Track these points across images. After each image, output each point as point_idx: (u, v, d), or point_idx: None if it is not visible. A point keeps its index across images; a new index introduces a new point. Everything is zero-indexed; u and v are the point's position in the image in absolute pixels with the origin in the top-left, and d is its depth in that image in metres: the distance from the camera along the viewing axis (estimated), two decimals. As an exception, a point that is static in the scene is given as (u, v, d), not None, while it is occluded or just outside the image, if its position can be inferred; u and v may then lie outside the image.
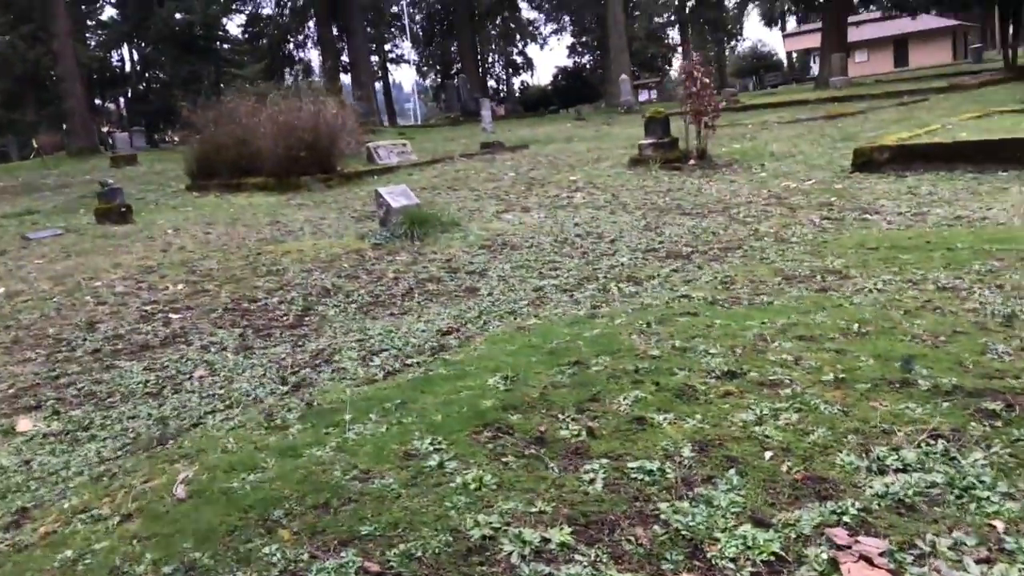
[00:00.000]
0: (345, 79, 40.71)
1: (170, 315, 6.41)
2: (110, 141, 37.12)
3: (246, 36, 48.33)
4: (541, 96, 50.91)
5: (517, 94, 55.76)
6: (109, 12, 50.46)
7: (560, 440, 2.81)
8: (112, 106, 54.20)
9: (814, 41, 45.87)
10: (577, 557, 2.20)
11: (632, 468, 2.56)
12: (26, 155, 34.07)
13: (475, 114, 31.36)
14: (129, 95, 51.08)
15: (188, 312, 6.47)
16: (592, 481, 2.53)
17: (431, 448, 2.89)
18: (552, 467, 2.64)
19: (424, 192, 11.89)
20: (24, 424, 4.30)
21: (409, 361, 4.21)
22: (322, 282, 7.04)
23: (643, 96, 37.31)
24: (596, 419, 2.92)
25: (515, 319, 5.00)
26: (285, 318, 6.06)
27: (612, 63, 33.71)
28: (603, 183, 10.90)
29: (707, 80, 10.86)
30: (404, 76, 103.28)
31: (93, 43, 49.24)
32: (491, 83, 56.42)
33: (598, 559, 2.18)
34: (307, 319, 5.97)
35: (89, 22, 50.70)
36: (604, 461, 2.63)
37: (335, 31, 43.08)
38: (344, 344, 5.05)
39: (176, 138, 42.97)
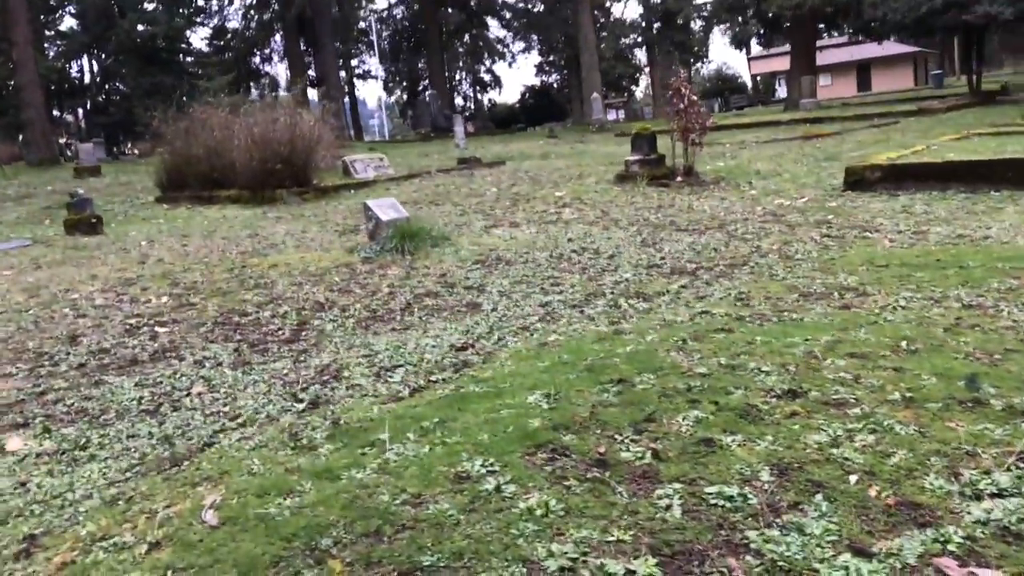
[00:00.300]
0: (312, 94, 40.36)
1: (156, 329, 6.13)
2: (69, 152, 36.28)
3: (211, 49, 47.72)
4: (509, 114, 51.07)
5: (486, 111, 55.84)
6: (69, 22, 49.52)
7: (623, 463, 2.64)
8: (71, 117, 53.07)
9: (780, 64, 46.71)
10: (668, 591, 2.03)
11: (710, 493, 2.40)
12: (-18, 165, 33.08)
13: (445, 130, 31.26)
14: (88, 106, 50.09)
15: (175, 326, 6.19)
16: (668, 508, 2.36)
17: (483, 470, 2.70)
18: (620, 492, 2.47)
19: (406, 207, 11.69)
20: (14, 443, 4.01)
21: (433, 378, 4.01)
22: (314, 296, 6.81)
23: (611, 116, 37.59)
24: (657, 440, 2.75)
25: (531, 335, 4.83)
26: (280, 332, 5.82)
27: (584, 81, 33.90)
28: (591, 199, 10.81)
29: (694, 97, 10.85)
30: (368, 92, 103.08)
31: (52, 53, 48.21)
32: (459, 100, 56.39)
33: (693, 593, 2.01)
34: (304, 334, 5.74)
35: (48, 32, 49.67)
36: (677, 486, 2.47)
37: (302, 45, 42.77)
38: (350, 360, 4.84)
39: (137, 150, 42.24)
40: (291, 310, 6.39)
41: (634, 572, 2.10)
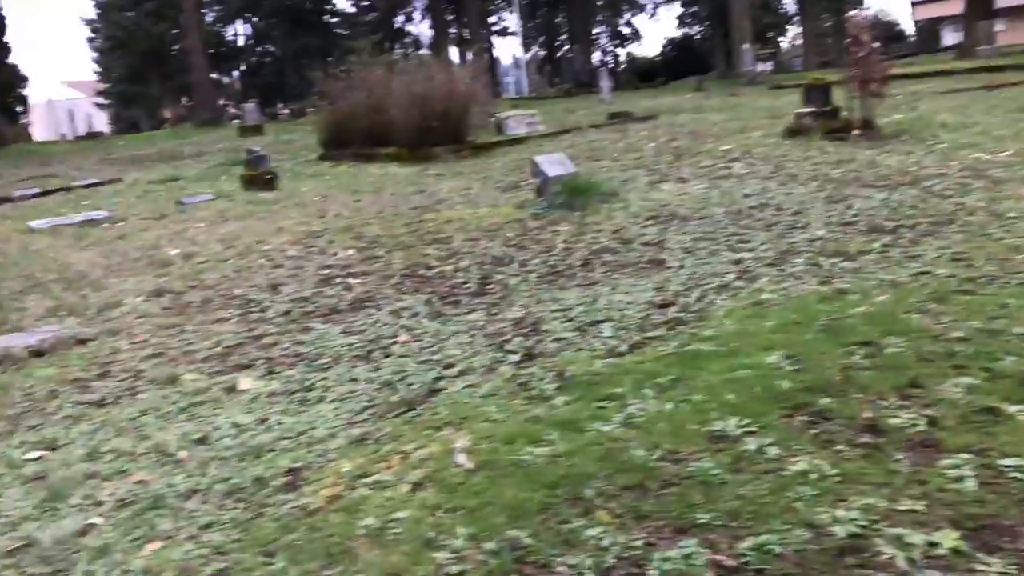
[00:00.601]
0: (453, 52, 40.79)
1: (349, 280, 6.36)
2: (228, 113, 38.27)
3: (356, 10, 48.82)
4: (649, 67, 49.85)
5: (623, 66, 54.76)
6: (225, -14, 51.78)
7: (896, 429, 2.51)
8: (227, 80, 55.83)
9: (946, 9, 43.33)
10: (977, 567, 1.91)
11: (1007, 466, 2.24)
12: (155, 126, 35.44)
13: (587, 86, 30.89)
14: (243, 69, 52.47)
15: (366, 277, 6.40)
16: (960, 479, 2.22)
17: (739, 430, 2.63)
18: (902, 460, 2.35)
19: (566, 162, 11.62)
20: (245, 383, 4.26)
21: (649, 335, 3.96)
22: (491, 251, 6.88)
23: (757, 68, 35.99)
24: (929, 407, 2.60)
25: (735, 294, 4.69)
26: (467, 286, 5.91)
27: (733, 31, 32.57)
28: (761, 153, 10.40)
29: (875, 44, 10.18)
30: (502, 50, 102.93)
31: (210, 18, 50.68)
32: (597, 55, 55.50)
33: (1007, 572, 1.88)
34: (489, 287, 5.81)
35: (206, -3, 52.30)
36: (966, 455, 2.32)
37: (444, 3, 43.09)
38: (543, 314, 4.86)
39: (288, 110, 44.05)
40: (472, 264, 6.48)
41: (937, 544, 1.98)
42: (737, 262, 5.60)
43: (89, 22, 48.89)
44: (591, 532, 2.24)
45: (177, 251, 7.91)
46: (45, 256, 8.55)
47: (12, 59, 40.20)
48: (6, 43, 39.85)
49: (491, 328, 4.75)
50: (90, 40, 49.59)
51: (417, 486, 2.63)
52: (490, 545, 2.24)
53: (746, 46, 30.56)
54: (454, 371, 3.94)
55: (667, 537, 2.19)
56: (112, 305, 6.21)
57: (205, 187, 13.24)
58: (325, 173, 13.95)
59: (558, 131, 16.05)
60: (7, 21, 39.45)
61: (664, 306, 4.60)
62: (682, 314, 4.31)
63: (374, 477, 2.74)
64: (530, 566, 2.16)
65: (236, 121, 31.14)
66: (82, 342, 5.37)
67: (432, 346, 4.52)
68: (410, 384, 3.87)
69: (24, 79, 41.91)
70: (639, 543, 2.18)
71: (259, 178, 11.94)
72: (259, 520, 2.65)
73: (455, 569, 2.17)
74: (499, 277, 6.03)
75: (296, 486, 2.85)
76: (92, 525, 2.88)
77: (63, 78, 55.61)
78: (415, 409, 3.40)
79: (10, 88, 38.70)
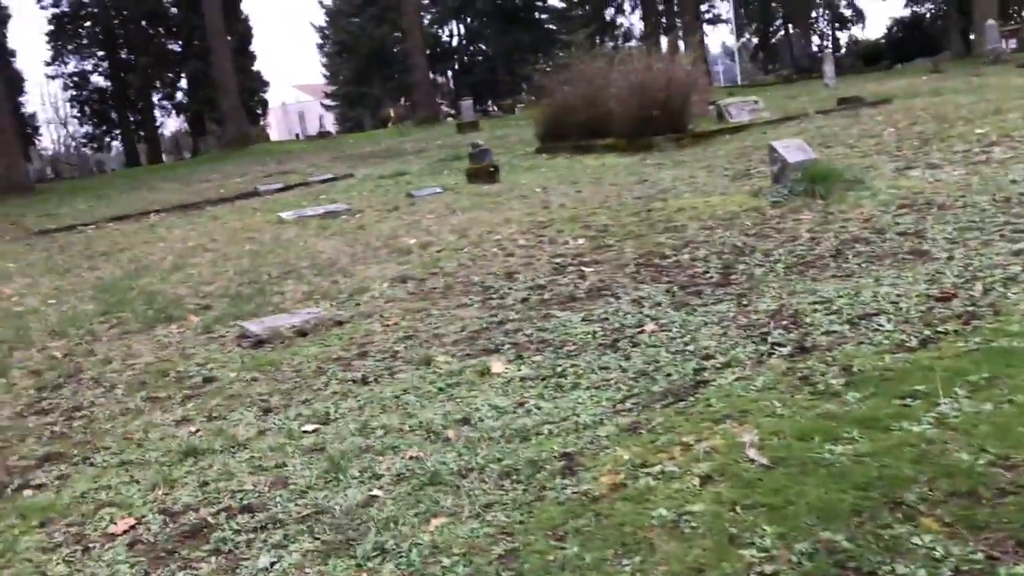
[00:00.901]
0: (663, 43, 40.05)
1: (582, 268, 6.33)
2: (443, 110, 39.93)
3: (565, 5, 49.27)
4: (873, 50, 46.45)
5: (843, 50, 51.46)
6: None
7: None
8: (441, 79, 58.30)
9: None
10: None
11: None
12: (377, 124, 37.67)
13: (807, 71, 29.28)
14: (456, 68, 54.54)
15: (599, 266, 6.34)
16: None
17: (1086, 436, 2.28)
18: None
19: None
20: (497, 366, 4.31)
21: (939, 329, 3.59)
22: (729, 240, 6.59)
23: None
24: None
25: (1029, 287, 4.17)
26: (707, 276, 5.69)
27: (975, 6, 29.63)
28: (1026, 136, 9.31)
29: None
30: (710, 39, 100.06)
31: (426, 20, 53.10)
32: (815, 39, 52.55)
33: None
34: (733, 277, 5.55)
35: (422, 0, 54.84)
36: None
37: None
38: (800, 305, 4.55)
39: (497, 107, 45.29)
40: (710, 253, 6.24)
41: None
42: (1018, 253, 5.00)
43: (319, 29, 52.81)
44: (919, 540, 2.01)
45: (414, 240, 8.26)
46: (295, 245, 9.22)
47: (255, 66, 44.33)
48: (251, 52, 43.95)
49: (744, 319, 4.52)
50: (319, 46, 53.59)
51: (707, 479, 2.49)
52: (802, 546, 2.06)
53: (990, 22, 27.68)
54: (715, 362, 3.77)
55: (1011, 551, 1.92)
56: (361, 290, 6.56)
57: (431, 181, 13.81)
58: (542, 165, 14.10)
59: (782, 118, 15.28)
60: (253, 31, 43.54)
61: (944, 299, 4.16)
62: (971, 308, 3.88)
63: (657, 467, 2.64)
64: (852, 572, 1.96)
65: (451, 118, 32.45)
66: (339, 323, 5.69)
67: (682, 336, 4.36)
68: (669, 375, 3.74)
69: (265, 84, 46.02)
70: (979, 556, 1.93)
71: (482, 171, 12.28)
72: (541, 503, 2.62)
73: (768, 569, 2.01)
74: (742, 267, 5.76)
75: (573, 471, 2.80)
76: (374, 497, 2.99)
77: (295, 82, 60.34)
78: (684, 400, 3.27)
79: (253, 93, 42.61)
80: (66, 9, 43.23)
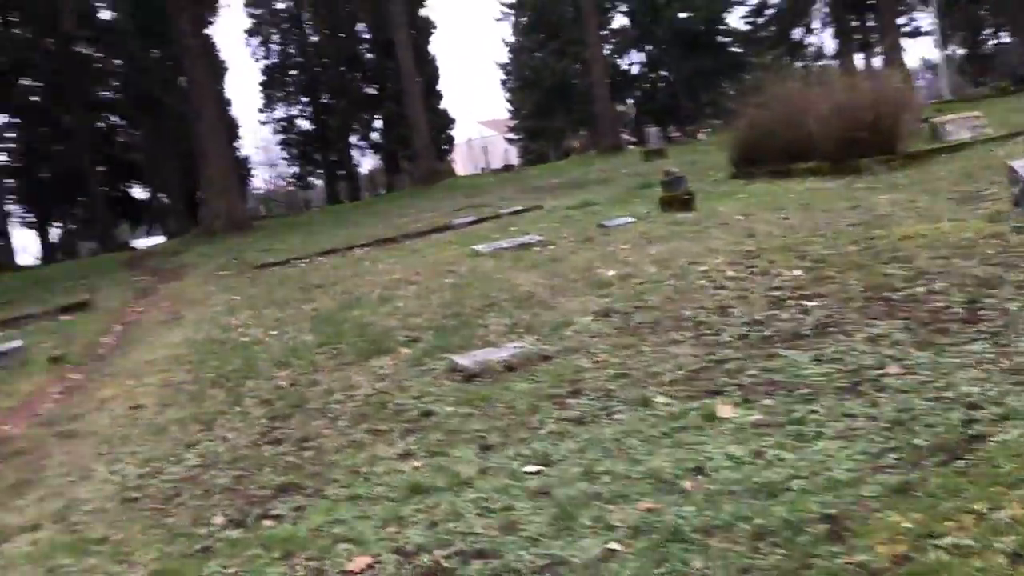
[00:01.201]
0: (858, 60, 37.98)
1: (803, 302, 5.91)
2: (624, 139, 39.86)
3: (750, 27, 47.90)
4: (1107, 55, 41.69)
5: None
6: (620, 20, 54.09)
7: None
8: (622, 107, 58.27)
9: None
10: None
11: None
12: (560, 156, 38.14)
13: (1028, 82, 26.64)
14: (637, 96, 54.32)
15: (822, 300, 5.89)
16: None
17: None
18: None
19: (1032, 168, 9.90)
20: (725, 410, 4.05)
21: None
22: (969, 270, 5.94)
23: None
24: None
25: None
26: (951, 311, 5.12)
27: None
28: None
29: None
30: (909, 53, 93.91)
31: (607, 50, 53.35)
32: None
33: None
34: (982, 313, 4.97)
35: (602, 31, 55.18)
36: None
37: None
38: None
39: (680, 132, 44.61)
40: (949, 286, 5.64)
41: None
42: None
43: (502, 66, 54.39)
44: None
45: (613, 272, 8.09)
46: (492, 277, 9.31)
47: (442, 105, 46.29)
48: (439, 91, 45.96)
49: (1007, 362, 4.01)
50: (503, 82, 55.14)
51: (1017, 557, 2.13)
52: None
53: None
54: (986, 413, 3.32)
55: None
56: (564, 324, 6.46)
57: (620, 210, 13.64)
58: (739, 192, 13.57)
59: (1009, 133, 13.90)
60: (440, 72, 45.55)
61: None
62: None
63: (947, 539, 2.30)
64: None
65: (633, 147, 32.26)
66: (545, 358, 5.61)
67: (934, 380, 3.92)
68: (931, 426, 3.33)
69: (451, 121, 47.94)
70: None
71: (677, 199, 11.98)
72: (807, 572, 2.36)
73: None
74: (990, 301, 5.15)
75: (840, 536, 2.51)
76: (612, 551, 2.83)
77: (479, 118, 62.38)
78: (960, 458, 2.88)
79: (441, 130, 44.46)
80: (276, 60, 47.24)
